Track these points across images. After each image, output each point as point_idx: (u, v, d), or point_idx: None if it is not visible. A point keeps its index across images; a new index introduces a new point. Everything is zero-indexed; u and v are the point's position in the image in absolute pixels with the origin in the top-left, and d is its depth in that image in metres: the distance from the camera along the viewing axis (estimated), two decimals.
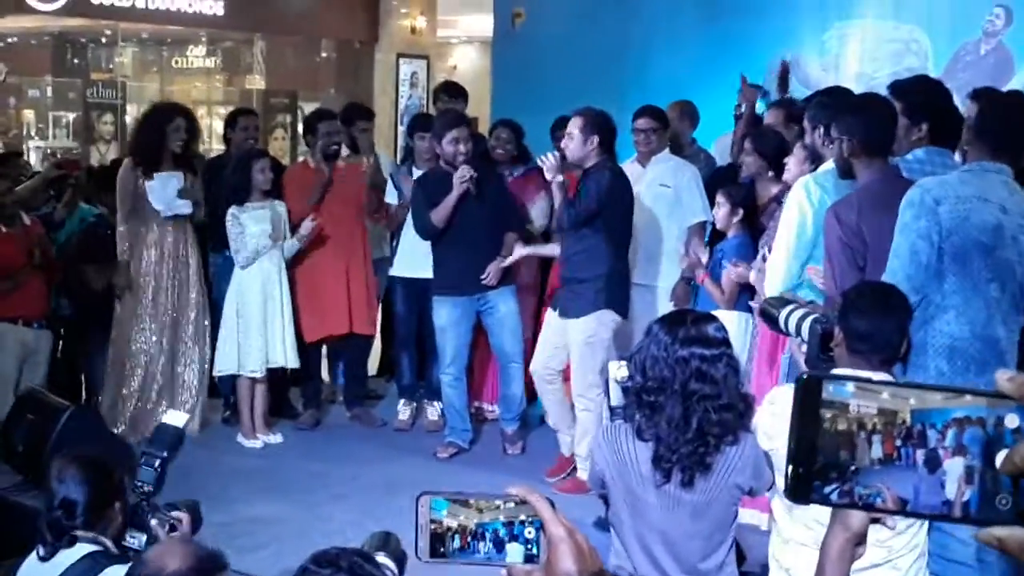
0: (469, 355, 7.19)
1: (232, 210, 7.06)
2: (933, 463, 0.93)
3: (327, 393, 8.18)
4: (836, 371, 3.55)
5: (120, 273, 7.14)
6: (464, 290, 6.90)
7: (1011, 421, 0.91)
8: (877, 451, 0.94)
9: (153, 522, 3.28)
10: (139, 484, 3.35)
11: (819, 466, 0.95)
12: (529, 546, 1.39)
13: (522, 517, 1.39)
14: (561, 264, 6.62)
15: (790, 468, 0.96)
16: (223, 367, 7.22)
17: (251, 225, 7.05)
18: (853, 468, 0.95)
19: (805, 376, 0.96)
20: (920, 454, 0.94)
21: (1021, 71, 7.32)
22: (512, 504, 1.40)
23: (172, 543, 2.94)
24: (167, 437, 3.43)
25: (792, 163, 5.32)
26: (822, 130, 4.97)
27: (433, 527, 1.41)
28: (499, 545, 1.40)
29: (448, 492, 1.42)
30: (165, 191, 7.05)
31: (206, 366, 7.33)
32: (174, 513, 3.33)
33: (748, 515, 4.81)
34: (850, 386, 0.96)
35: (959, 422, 0.93)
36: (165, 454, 3.38)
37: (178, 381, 7.24)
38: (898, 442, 0.94)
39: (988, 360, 3.96)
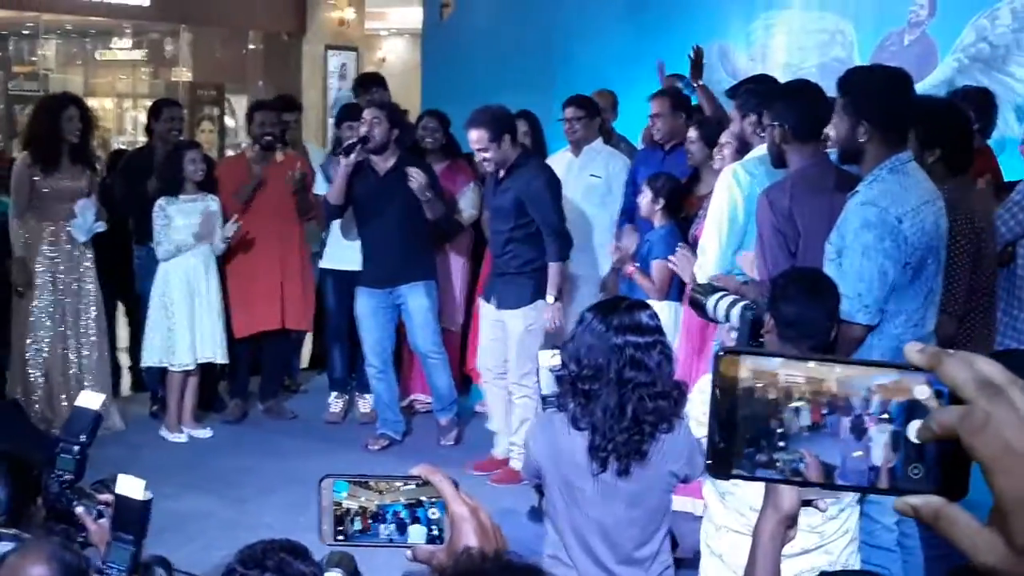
0: (397, 347, 7.15)
1: (160, 202, 6.97)
2: (859, 430, 0.92)
3: (290, 383, 8.27)
4: None
5: (18, 269, 6.96)
6: (378, 282, 6.88)
7: (921, 392, 0.91)
8: (805, 419, 0.93)
9: (79, 510, 3.19)
10: (59, 473, 3.26)
11: (741, 439, 0.94)
12: (432, 527, 1.37)
13: (423, 497, 1.37)
14: (495, 256, 6.60)
15: (709, 443, 0.95)
16: (149, 359, 7.12)
17: (178, 218, 6.96)
18: (779, 438, 0.94)
19: (722, 351, 0.95)
20: (846, 421, 0.93)
21: (944, 61, 7.42)
22: (414, 485, 1.38)
23: (34, 547, 2.85)
24: (83, 421, 3.34)
25: (726, 152, 5.33)
26: (753, 117, 4.98)
27: (335, 509, 1.39)
28: (401, 526, 1.38)
29: (350, 475, 1.39)
30: (86, 222, 6.90)
31: (110, 361, 7.21)
32: (101, 497, 3.24)
33: (681, 502, 4.81)
34: (777, 359, 0.95)
35: (884, 389, 0.92)
36: (84, 439, 3.28)
37: (85, 376, 7.09)
38: (824, 410, 0.93)
39: None
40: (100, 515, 3.20)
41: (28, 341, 6.99)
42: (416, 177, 6.60)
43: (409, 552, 1.40)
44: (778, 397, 0.94)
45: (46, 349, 7.02)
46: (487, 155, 6.23)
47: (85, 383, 6.95)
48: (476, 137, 6.23)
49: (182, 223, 6.96)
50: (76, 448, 3.28)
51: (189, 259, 7.02)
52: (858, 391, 0.93)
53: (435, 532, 1.37)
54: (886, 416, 0.92)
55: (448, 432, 7.12)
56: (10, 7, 13.53)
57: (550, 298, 6.27)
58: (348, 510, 1.38)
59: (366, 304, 6.93)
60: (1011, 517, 0.82)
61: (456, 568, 1.27)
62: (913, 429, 0.91)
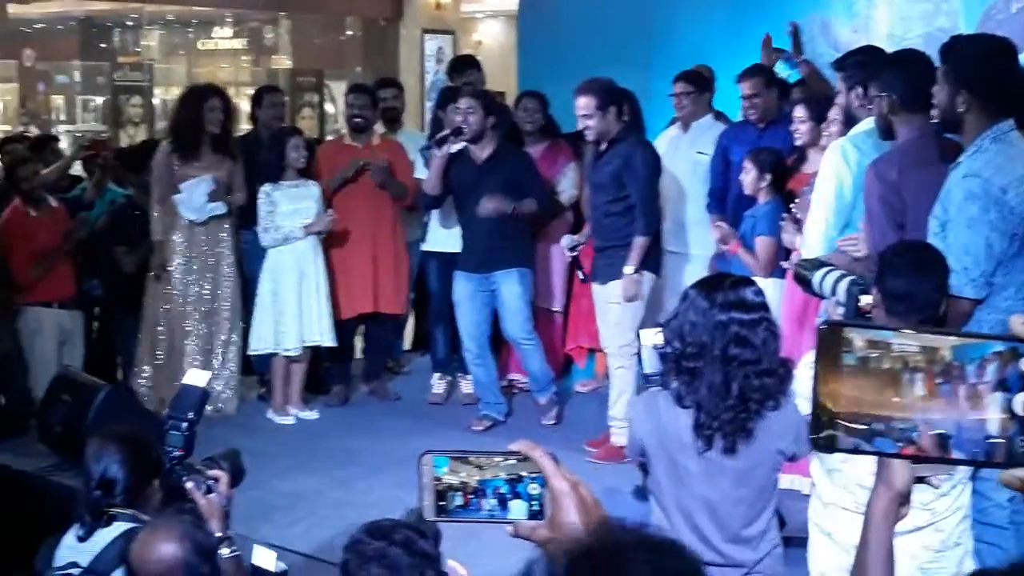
0: (491, 329, 7.17)
1: (265, 187, 7.06)
2: (974, 398, 0.90)
3: (393, 365, 8.36)
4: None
5: (156, 253, 7.15)
6: (474, 267, 6.91)
7: None
8: (919, 388, 0.91)
9: (189, 485, 3.26)
10: (169, 449, 3.33)
11: (849, 412, 0.93)
12: (532, 502, 1.37)
13: (524, 473, 1.37)
14: (593, 231, 6.62)
15: (814, 417, 0.93)
16: (258, 346, 7.24)
17: (284, 203, 7.05)
18: (892, 408, 0.92)
19: (825, 324, 0.93)
20: (962, 390, 0.91)
21: None
22: (514, 460, 1.38)
23: (165, 525, 2.91)
24: (191, 398, 3.41)
25: (833, 128, 5.24)
26: (860, 90, 4.89)
27: (436, 485, 1.39)
28: (502, 502, 1.38)
29: (450, 451, 1.40)
30: (192, 199, 7.05)
31: (240, 345, 7.34)
32: (210, 472, 3.30)
33: (788, 480, 4.77)
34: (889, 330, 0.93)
35: (1001, 356, 0.90)
36: (191, 415, 3.36)
37: (213, 361, 7.24)
38: (939, 379, 0.91)
39: None
40: (209, 490, 3.26)
41: (160, 326, 7.17)
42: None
43: (510, 527, 1.40)
44: (892, 367, 0.92)
45: (171, 334, 7.19)
46: (590, 123, 6.27)
47: (214, 365, 7.11)
48: (583, 103, 6.28)
49: (288, 208, 7.05)
50: (184, 424, 3.35)
51: (299, 244, 7.12)
52: (973, 359, 0.91)
53: (535, 507, 1.37)
54: (1003, 384, 0.90)
55: (548, 411, 7.12)
56: None
57: (628, 269, 6.27)
58: (449, 485, 1.39)
59: (463, 288, 6.96)
60: None
61: (590, 543, 1.26)
62: (1020, 402, 0.89)
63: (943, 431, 0.92)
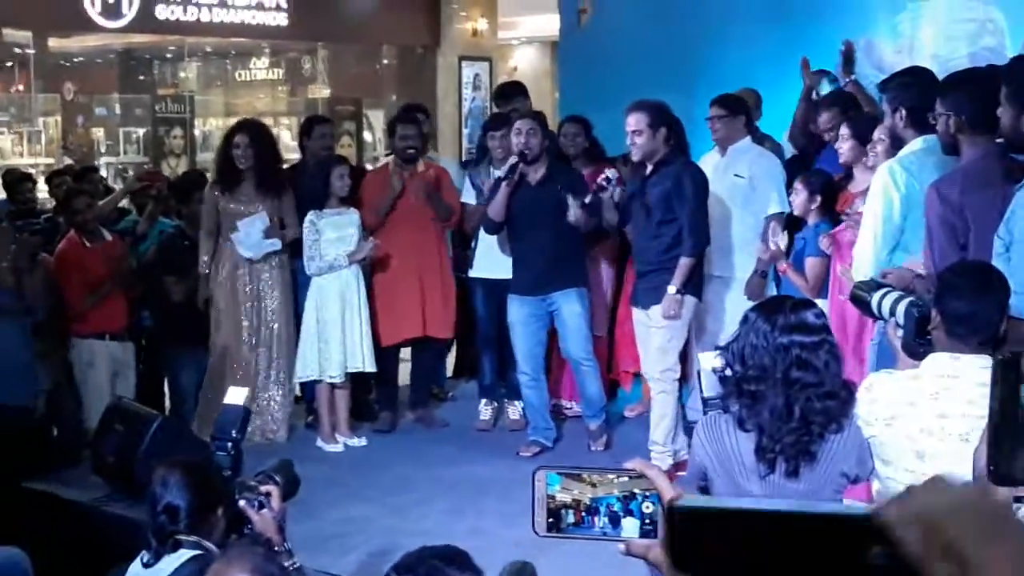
0: (546, 354, 7.18)
1: (310, 216, 7.11)
2: None
3: (439, 392, 8.40)
4: None
5: (200, 286, 7.24)
6: (531, 290, 6.91)
7: None
8: None
9: (242, 503, 3.27)
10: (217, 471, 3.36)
11: None
12: (646, 520, 1.37)
13: (637, 491, 1.37)
14: (637, 253, 6.62)
15: (992, 449, 0.93)
16: (304, 373, 7.28)
17: (329, 231, 7.10)
18: None
19: (1007, 354, 0.93)
20: None
21: None
22: (627, 478, 1.37)
23: (239, 555, 2.91)
24: (233, 417, 3.44)
25: (879, 149, 5.23)
26: (903, 112, 4.89)
27: (549, 503, 1.39)
28: (615, 520, 1.38)
29: (563, 467, 1.40)
30: (249, 236, 7.14)
31: (289, 374, 7.38)
32: (262, 488, 3.32)
33: (848, 504, 4.73)
34: None
35: None
36: (236, 434, 3.38)
37: (261, 391, 7.29)
38: None
39: None
40: (262, 506, 3.28)
41: (227, 358, 7.29)
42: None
43: (622, 546, 1.40)
44: None
45: (221, 364, 7.28)
46: (639, 139, 6.29)
47: (259, 397, 7.16)
48: (634, 120, 6.30)
49: (333, 236, 7.09)
50: (229, 444, 3.38)
51: (343, 271, 7.15)
52: None
53: (648, 525, 1.37)
54: None
55: (598, 438, 7.11)
56: (155, 31, 13.92)
57: (671, 288, 6.26)
58: (563, 503, 1.39)
59: (519, 312, 6.97)
60: None
61: None
62: None
63: None
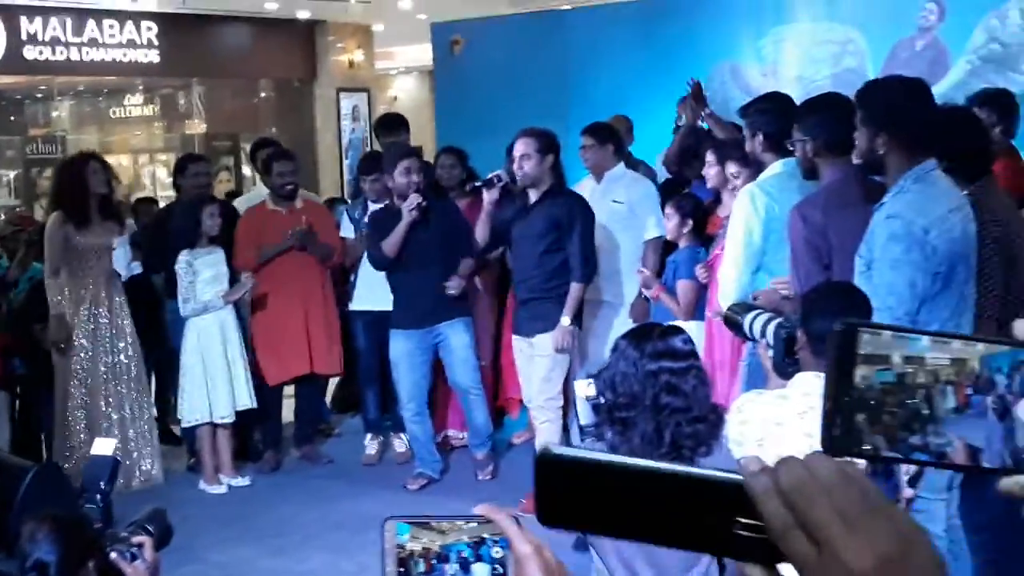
0: (431, 385, 7.16)
1: (184, 256, 6.98)
2: (1002, 410, 0.92)
3: (324, 427, 8.34)
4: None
5: (56, 327, 7.01)
6: (416, 323, 6.88)
7: None
8: (951, 401, 0.92)
9: (113, 555, 3.20)
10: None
11: (888, 422, 0.93)
12: (496, 566, 1.37)
13: (486, 535, 1.37)
14: (519, 281, 6.61)
15: (825, 420, 0.93)
16: (192, 418, 7.13)
17: (204, 271, 6.99)
18: (926, 421, 0.92)
19: (841, 325, 0.93)
20: (990, 401, 0.92)
21: (957, 64, 7.41)
22: (476, 524, 1.37)
23: None
24: (101, 468, 3.36)
25: (742, 174, 5.35)
26: (761, 136, 5.00)
27: (398, 552, 1.39)
28: (465, 566, 1.38)
29: (411, 516, 1.39)
30: (124, 257, 7.09)
31: (154, 413, 7.27)
32: (134, 540, 3.25)
33: None
34: (924, 340, 0.94)
35: None
36: (104, 486, 3.31)
37: (128, 432, 7.15)
38: (969, 391, 0.92)
39: None
40: (135, 557, 3.21)
41: (69, 403, 7.05)
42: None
43: None
44: (926, 380, 0.93)
45: (87, 407, 7.08)
46: (528, 164, 6.28)
47: (129, 442, 7.02)
48: (523, 145, 6.31)
49: (208, 274, 6.99)
50: (99, 496, 3.30)
51: (220, 311, 7.07)
52: (1001, 369, 0.92)
53: (499, 570, 1.37)
54: None
55: (485, 467, 7.11)
56: (24, 72, 13.67)
57: (565, 320, 6.29)
58: (411, 552, 1.39)
59: (403, 347, 6.93)
60: None
61: None
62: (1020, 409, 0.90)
63: (974, 444, 0.93)
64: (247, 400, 7.16)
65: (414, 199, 6.70)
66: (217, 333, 7.04)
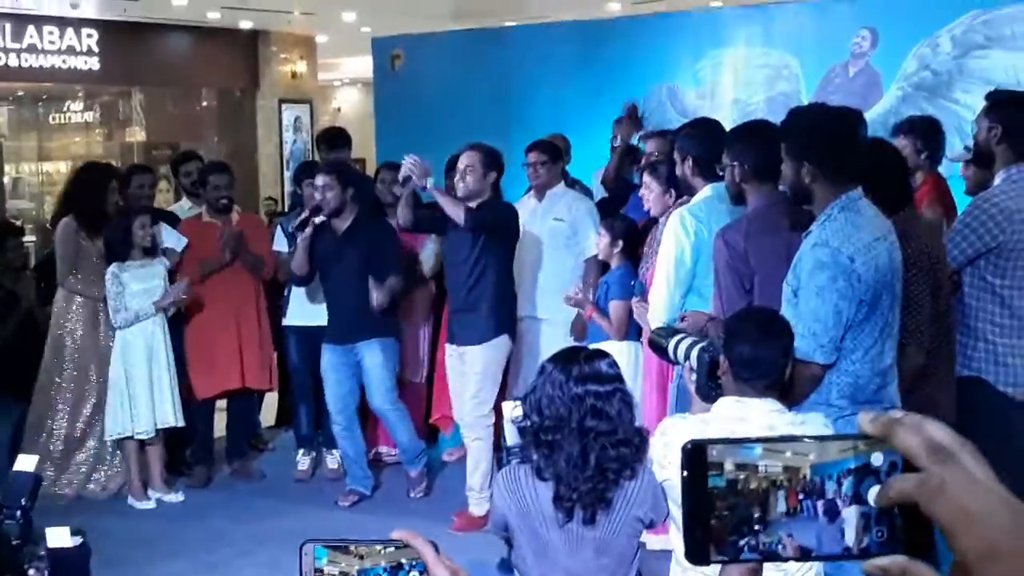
0: (358, 402, 7.14)
1: (112, 268, 6.91)
2: (832, 513, 0.97)
3: (256, 442, 8.29)
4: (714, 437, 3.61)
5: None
6: (339, 338, 6.90)
7: (875, 460, 0.95)
8: (782, 505, 0.97)
9: (31, 572, 3.19)
10: (7, 540, 3.26)
11: (719, 526, 0.98)
12: None
13: (404, 560, 1.39)
14: (453, 291, 6.61)
15: (686, 532, 0.99)
16: (115, 431, 7.07)
17: (132, 284, 6.93)
18: (759, 523, 0.98)
19: (690, 444, 0.99)
20: (820, 505, 0.97)
21: (889, 90, 7.54)
22: (393, 548, 1.39)
23: None
24: (23, 485, 3.35)
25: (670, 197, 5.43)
26: (690, 161, 5.06)
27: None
28: None
29: (329, 539, 1.41)
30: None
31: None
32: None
33: (662, 540, 4.84)
34: (758, 448, 0.99)
35: (854, 471, 0.96)
36: (25, 502, 3.29)
37: (104, 449, 7.23)
38: (800, 495, 0.97)
39: (882, 391, 4.01)
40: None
41: (49, 411, 7.17)
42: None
43: None
44: (757, 486, 0.98)
45: (64, 419, 7.17)
46: (470, 178, 6.32)
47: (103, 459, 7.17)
48: (468, 159, 6.36)
49: (137, 288, 6.93)
50: (19, 512, 3.28)
51: (148, 325, 6.99)
52: (831, 474, 0.97)
53: None
54: (858, 497, 0.97)
55: (418, 484, 7.11)
56: None
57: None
58: (330, 575, 1.40)
59: (329, 360, 6.93)
60: (971, 574, 0.85)
61: None
62: (872, 494, 0.95)
63: (804, 544, 0.99)
64: (171, 419, 7.06)
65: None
66: (143, 348, 6.96)
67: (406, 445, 7.06)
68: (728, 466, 0.98)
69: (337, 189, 6.69)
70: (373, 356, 6.86)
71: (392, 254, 6.90)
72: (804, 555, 0.97)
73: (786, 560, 0.98)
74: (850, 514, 0.96)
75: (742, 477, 0.98)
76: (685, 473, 0.98)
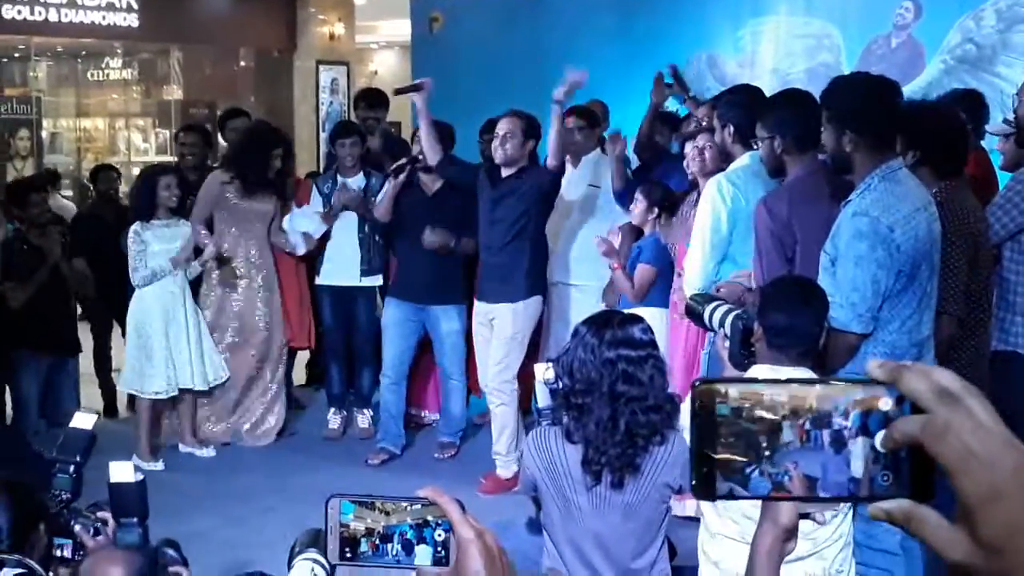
0: (412, 361, 7.16)
1: (135, 227, 6.92)
2: (838, 444, 0.97)
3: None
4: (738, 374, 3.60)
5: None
6: (410, 296, 6.90)
7: (884, 404, 0.95)
8: (788, 435, 0.97)
9: (77, 528, 3.23)
10: (56, 493, 3.30)
11: (725, 460, 0.98)
12: (438, 548, 1.39)
13: (430, 518, 1.39)
14: (488, 253, 6.54)
15: (693, 467, 0.99)
16: (129, 387, 7.16)
17: (154, 244, 6.91)
18: (764, 455, 0.98)
19: (698, 382, 0.99)
20: (826, 435, 0.97)
21: (931, 63, 7.45)
22: (419, 506, 1.39)
23: (108, 554, 2.89)
24: (78, 441, 3.38)
25: (707, 155, 5.39)
26: (731, 128, 5.03)
27: (342, 530, 1.41)
28: (408, 547, 1.40)
29: (356, 496, 1.41)
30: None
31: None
32: (99, 514, 3.28)
33: (688, 507, 4.85)
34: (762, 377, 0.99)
35: (862, 403, 0.96)
36: (78, 459, 3.33)
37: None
38: (806, 426, 0.97)
39: (919, 362, 3.98)
40: (97, 532, 3.24)
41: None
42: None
43: (414, 573, 1.42)
44: (763, 415, 0.97)
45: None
46: (509, 144, 6.31)
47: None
48: (510, 125, 6.34)
49: (158, 248, 6.92)
50: (71, 467, 3.32)
51: (167, 284, 6.97)
52: (837, 406, 0.97)
53: (441, 553, 1.39)
54: (865, 429, 0.97)
55: (448, 450, 7.13)
56: (1, 31, 13.56)
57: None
58: (356, 531, 1.41)
59: (394, 314, 6.96)
60: (974, 515, 0.86)
61: None
62: (879, 438, 0.95)
63: (810, 474, 0.98)
64: (189, 381, 7.06)
65: (399, 165, 6.79)
66: (158, 310, 6.96)
67: (455, 415, 7.10)
68: (733, 393, 0.98)
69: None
70: (450, 322, 6.90)
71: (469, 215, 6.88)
72: (810, 489, 0.97)
73: (792, 498, 0.97)
74: (856, 446, 0.96)
75: (747, 405, 0.98)
76: (695, 406, 0.98)
